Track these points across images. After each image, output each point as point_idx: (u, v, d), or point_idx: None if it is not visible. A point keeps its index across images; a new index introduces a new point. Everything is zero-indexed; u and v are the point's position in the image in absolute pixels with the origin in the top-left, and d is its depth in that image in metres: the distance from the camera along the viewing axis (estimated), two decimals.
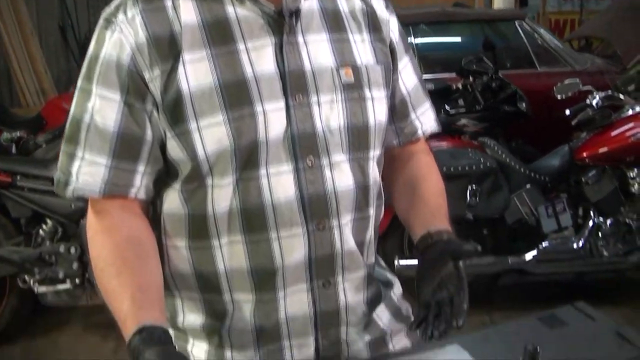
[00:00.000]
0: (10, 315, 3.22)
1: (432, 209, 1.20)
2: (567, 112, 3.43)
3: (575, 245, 3.32)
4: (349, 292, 1.16)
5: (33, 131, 3.44)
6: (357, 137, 1.11)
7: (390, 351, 1.25)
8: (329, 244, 1.11)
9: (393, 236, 3.30)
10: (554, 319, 1.35)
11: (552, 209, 3.33)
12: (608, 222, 3.34)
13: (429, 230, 1.14)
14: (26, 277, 3.06)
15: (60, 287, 3.06)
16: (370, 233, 1.19)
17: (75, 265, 3.00)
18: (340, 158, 1.10)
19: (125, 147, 1.04)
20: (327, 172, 1.08)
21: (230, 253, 1.09)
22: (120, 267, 1.02)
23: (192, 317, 1.17)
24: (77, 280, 3.04)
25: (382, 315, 1.24)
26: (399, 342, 1.26)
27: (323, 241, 1.10)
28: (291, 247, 1.08)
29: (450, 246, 1.11)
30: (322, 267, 1.11)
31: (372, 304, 1.21)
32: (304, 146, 1.07)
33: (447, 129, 3.50)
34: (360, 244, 1.16)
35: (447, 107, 3.66)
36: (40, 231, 3.08)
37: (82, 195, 1.05)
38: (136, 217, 1.09)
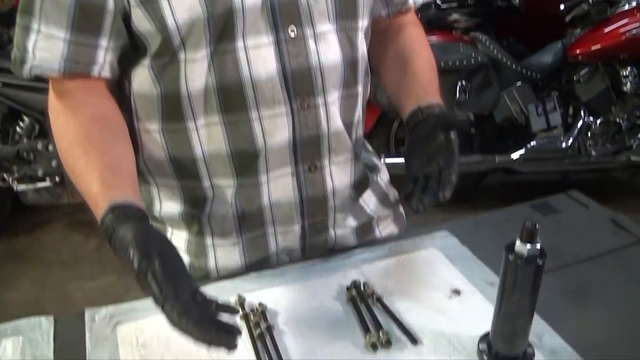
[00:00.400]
0: None
1: (423, 84, 1.12)
2: (562, 7, 3.30)
3: (563, 145, 3.29)
4: (336, 175, 1.10)
5: (6, 25, 3.27)
6: (344, 3, 1.02)
7: (376, 237, 1.20)
8: (314, 124, 1.03)
9: (380, 134, 3.24)
10: (546, 206, 1.31)
11: (542, 107, 3.26)
12: (598, 121, 3.29)
13: (419, 105, 1.06)
14: (5, 176, 2.99)
15: (40, 185, 3.00)
16: (359, 112, 1.12)
17: (54, 163, 2.92)
18: (326, 28, 1.01)
19: (84, 19, 0.92)
20: (312, 44, 1.00)
21: (207, 136, 1.01)
22: (86, 147, 0.94)
23: (169, 205, 1.11)
24: (56, 178, 2.97)
25: (368, 200, 1.19)
26: (386, 228, 1.22)
27: (308, 121, 1.03)
28: (274, 127, 1.01)
29: (441, 119, 1.04)
30: (307, 149, 1.05)
31: (359, 188, 1.16)
32: (285, 14, 0.97)
33: (438, 24, 3.37)
34: (347, 124, 1.09)
35: (438, 0, 3.50)
36: (17, 128, 2.98)
37: (40, 74, 0.94)
38: (102, 98, 0.99)
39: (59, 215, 3.40)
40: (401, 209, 1.27)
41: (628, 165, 3.36)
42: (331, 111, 1.04)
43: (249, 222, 1.08)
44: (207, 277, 1.11)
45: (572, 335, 0.94)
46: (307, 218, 1.10)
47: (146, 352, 0.91)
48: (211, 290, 1.04)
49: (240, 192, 1.06)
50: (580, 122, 3.29)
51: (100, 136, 0.95)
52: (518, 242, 0.79)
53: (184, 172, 1.06)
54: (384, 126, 3.18)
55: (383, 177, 1.24)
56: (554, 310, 0.99)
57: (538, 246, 0.78)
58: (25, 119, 2.97)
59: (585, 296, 1.05)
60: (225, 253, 1.10)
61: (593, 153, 3.31)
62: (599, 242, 1.18)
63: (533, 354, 0.88)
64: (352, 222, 1.16)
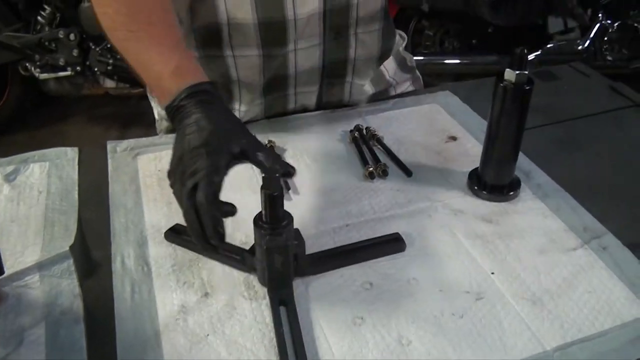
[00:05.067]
0: (14, 103, 3.23)
1: None
2: None
3: (579, 47, 3.27)
4: (360, 44, 1.12)
5: None
6: None
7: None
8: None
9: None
10: (548, 74, 1.36)
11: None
12: (615, 25, 3.26)
13: None
14: (27, 65, 3.04)
15: (62, 74, 3.05)
16: None
17: (75, 52, 2.97)
18: None
19: None
20: None
21: (233, 4, 0.99)
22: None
23: None
24: (77, 68, 3.02)
25: (389, 66, 1.24)
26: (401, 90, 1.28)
27: None
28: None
29: None
30: (335, 19, 1.05)
31: (381, 57, 1.19)
32: None
33: None
34: None
35: None
36: (39, 17, 3.02)
37: None
38: None
39: (81, 107, 3.47)
40: (417, 72, 1.32)
41: None
42: None
43: (273, 87, 1.12)
44: None
45: (559, 175, 1.00)
46: (327, 79, 1.13)
47: (164, 175, 0.99)
48: None
49: (266, 61, 1.06)
50: (598, 25, 3.27)
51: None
52: (508, 70, 0.85)
53: (208, 40, 1.04)
54: (401, 22, 3.18)
55: (399, 43, 1.27)
56: (544, 155, 1.05)
57: (526, 72, 0.84)
58: (47, 8, 3.00)
59: (576, 147, 1.10)
60: (249, 111, 1.15)
61: (609, 57, 3.30)
62: (596, 104, 1.23)
63: (519, 183, 0.95)
64: (370, 88, 1.22)
